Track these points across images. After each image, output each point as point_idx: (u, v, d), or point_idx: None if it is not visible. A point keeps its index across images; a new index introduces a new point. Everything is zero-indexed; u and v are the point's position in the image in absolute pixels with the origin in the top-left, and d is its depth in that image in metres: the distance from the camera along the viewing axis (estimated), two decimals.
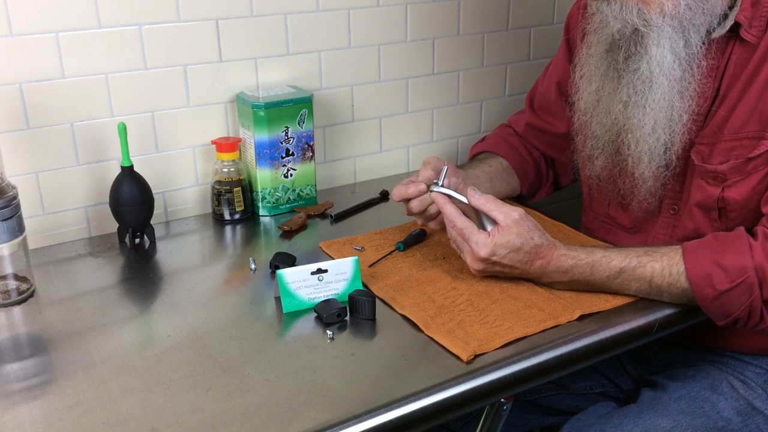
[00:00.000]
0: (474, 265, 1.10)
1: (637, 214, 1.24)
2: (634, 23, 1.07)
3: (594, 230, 1.35)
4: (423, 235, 1.28)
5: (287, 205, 1.44)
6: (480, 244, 1.08)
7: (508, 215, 1.08)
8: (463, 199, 1.12)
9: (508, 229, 1.08)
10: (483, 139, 1.49)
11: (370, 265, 1.18)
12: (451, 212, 1.11)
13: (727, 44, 1.11)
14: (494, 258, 1.08)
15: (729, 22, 1.09)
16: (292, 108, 1.38)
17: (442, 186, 1.14)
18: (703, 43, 1.09)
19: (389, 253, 1.22)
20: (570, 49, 1.35)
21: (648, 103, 1.10)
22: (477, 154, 1.45)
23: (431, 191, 1.14)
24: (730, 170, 1.10)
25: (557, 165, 1.45)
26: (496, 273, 1.11)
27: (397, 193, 1.19)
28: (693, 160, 1.14)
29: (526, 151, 1.42)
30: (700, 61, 1.09)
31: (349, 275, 1.10)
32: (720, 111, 1.11)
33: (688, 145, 1.14)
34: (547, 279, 1.10)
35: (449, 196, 1.13)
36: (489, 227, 1.09)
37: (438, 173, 1.17)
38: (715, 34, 1.09)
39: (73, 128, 1.29)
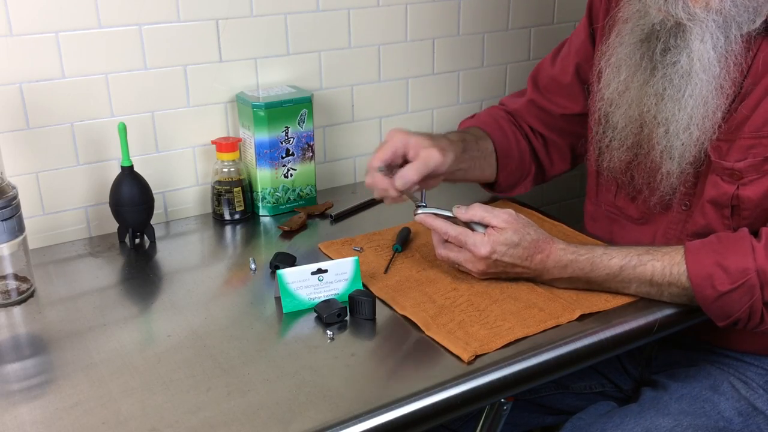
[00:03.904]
0: (476, 266, 1.10)
1: (650, 207, 1.23)
2: (678, 17, 1.05)
3: (599, 219, 1.34)
4: (407, 232, 1.28)
5: (287, 205, 1.44)
6: (478, 243, 1.08)
7: (501, 217, 1.09)
8: (448, 213, 1.13)
9: (504, 228, 1.08)
10: (472, 117, 1.44)
11: (385, 272, 1.17)
12: (441, 226, 1.11)
13: (754, 41, 1.08)
14: (495, 256, 1.08)
15: (760, 19, 1.06)
16: (292, 108, 1.38)
17: (425, 206, 1.15)
18: (742, 40, 1.06)
19: (393, 257, 1.22)
20: (593, 31, 1.31)
21: (684, 98, 1.08)
22: (467, 129, 1.38)
23: (416, 214, 1.14)
24: (747, 168, 1.09)
25: (550, 150, 1.40)
26: (498, 274, 1.11)
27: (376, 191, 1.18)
28: (710, 156, 1.12)
29: (513, 138, 1.37)
30: (736, 57, 1.06)
31: (349, 275, 1.10)
32: (741, 108, 1.09)
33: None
34: (548, 275, 1.10)
35: (435, 214, 1.13)
36: (481, 230, 1.10)
37: (395, 157, 1.16)
38: (745, 30, 1.06)
39: (73, 128, 1.29)
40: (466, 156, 1.27)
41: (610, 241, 1.27)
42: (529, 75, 1.44)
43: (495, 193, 1.42)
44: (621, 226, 1.30)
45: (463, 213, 1.11)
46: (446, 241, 1.13)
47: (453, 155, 1.21)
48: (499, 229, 1.08)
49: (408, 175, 1.14)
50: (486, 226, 1.10)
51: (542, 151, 1.40)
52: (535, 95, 1.39)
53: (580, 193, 1.77)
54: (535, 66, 1.44)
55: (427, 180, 1.20)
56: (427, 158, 1.16)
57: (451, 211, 1.13)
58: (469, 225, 1.12)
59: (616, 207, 1.30)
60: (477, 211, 1.11)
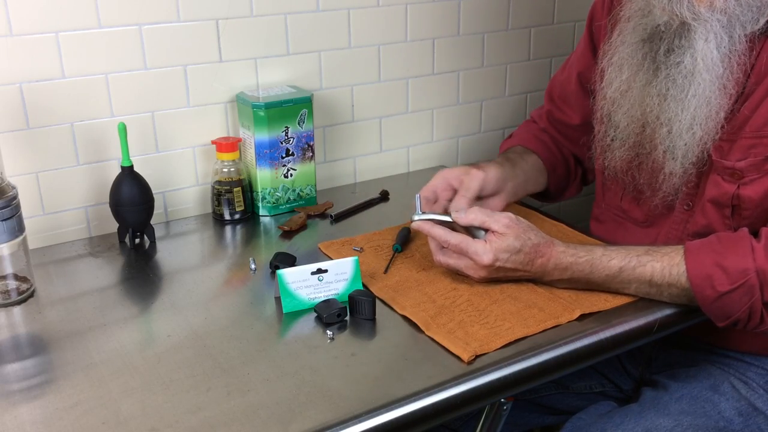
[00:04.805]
0: (478, 273, 1.10)
1: (652, 209, 1.23)
2: (683, 16, 1.05)
3: (605, 222, 1.34)
4: (407, 232, 1.28)
5: (287, 205, 1.44)
6: (480, 252, 1.08)
7: (501, 222, 1.09)
8: (447, 218, 1.12)
9: (505, 234, 1.08)
10: (511, 136, 1.46)
11: (385, 271, 1.18)
12: (440, 233, 1.11)
13: (758, 41, 1.07)
14: (498, 263, 1.08)
15: (764, 18, 1.05)
16: (292, 108, 1.38)
17: (422, 213, 1.14)
18: (746, 40, 1.06)
19: (392, 257, 1.22)
20: (593, 39, 1.32)
21: (688, 99, 1.08)
22: (508, 149, 1.41)
23: (413, 221, 1.14)
24: (748, 168, 1.09)
25: (583, 158, 1.42)
26: (498, 278, 1.11)
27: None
28: (711, 156, 1.12)
29: (556, 148, 1.40)
30: (739, 57, 1.06)
31: (349, 275, 1.10)
32: (744, 108, 1.08)
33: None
34: (548, 278, 1.10)
35: (432, 220, 1.13)
36: (482, 236, 1.10)
37: (437, 193, 1.19)
38: (749, 30, 1.06)
39: (73, 128, 1.29)
40: (518, 171, 1.31)
41: (613, 242, 1.26)
42: (546, 90, 1.46)
43: (547, 201, 1.44)
44: (625, 229, 1.30)
45: (463, 217, 1.11)
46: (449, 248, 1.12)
47: (496, 171, 1.23)
48: (499, 235, 1.08)
49: (458, 203, 1.17)
50: (486, 230, 1.10)
51: (580, 164, 1.43)
52: (550, 106, 1.42)
53: (580, 193, 1.77)
54: (541, 73, 1.45)
55: (487, 201, 1.23)
56: (469, 181, 1.19)
57: (449, 215, 1.13)
58: (469, 229, 1.11)
59: (621, 210, 1.30)
60: (477, 215, 1.10)
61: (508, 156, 1.35)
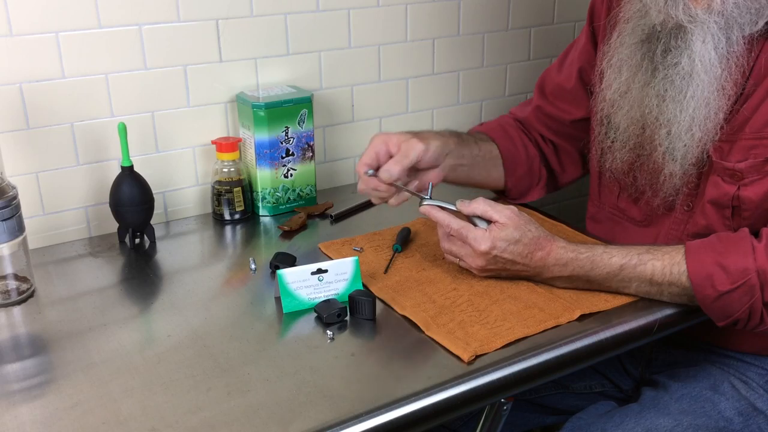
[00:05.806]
0: (476, 262, 1.10)
1: (651, 208, 1.23)
2: (678, 19, 1.05)
3: (602, 222, 1.34)
4: (407, 232, 1.28)
5: (287, 205, 1.44)
6: (479, 239, 1.08)
7: (503, 213, 1.09)
8: (453, 207, 1.13)
9: (505, 224, 1.08)
10: (481, 125, 1.44)
11: (385, 272, 1.18)
12: (444, 218, 1.12)
13: (756, 42, 1.07)
14: (495, 252, 1.08)
15: (763, 20, 1.06)
16: (292, 108, 1.38)
17: (431, 198, 1.15)
18: (744, 42, 1.06)
19: (392, 257, 1.22)
20: (595, 36, 1.31)
21: (686, 100, 1.08)
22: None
23: (421, 205, 1.15)
24: (748, 169, 1.09)
25: (561, 156, 1.40)
26: (497, 271, 1.11)
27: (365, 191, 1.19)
28: (711, 157, 1.12)
29: (521, 144, 1.37)
30: (738, 59, 1.06)
31: (349, 275, 1.10)
32: (743, 109, 1.09)
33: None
34: (548, 273, 1.10)
35: (439, 206, 1.14)
36: (484, 225, 1.10)
37: (378, 158, 1.17)
38: (747, 32, 1.06)
39: (73, 128, 1.29)
40: (465, 152, 1.29)
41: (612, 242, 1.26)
42: (536, 83, 1.44)
43: (507, 199, 1.42)
44: (623, 228, 1.30)
45: (466, 206, 1.12)
46: (451, 234, 1.13)
47: (438, 144, 1.21)
48: (500, 225, 1.09)
49: (390, 167, 1.15)
50: (488, 221, 1.10)
51: (553, 157, 1.40)
52: (541, 101, 1.40)
53: (580, 193, 1.78)
54: (541, 73, 1.44)
55: (425, 173, 1.22)
56: (408, 149, 1.17)
57: (455, 204, 1.13)
58: (471, 219, 1.12)
59: (618, 209, 1.30)
60: (480, 205, 1.11)
61: (463, 136, 1.32)
